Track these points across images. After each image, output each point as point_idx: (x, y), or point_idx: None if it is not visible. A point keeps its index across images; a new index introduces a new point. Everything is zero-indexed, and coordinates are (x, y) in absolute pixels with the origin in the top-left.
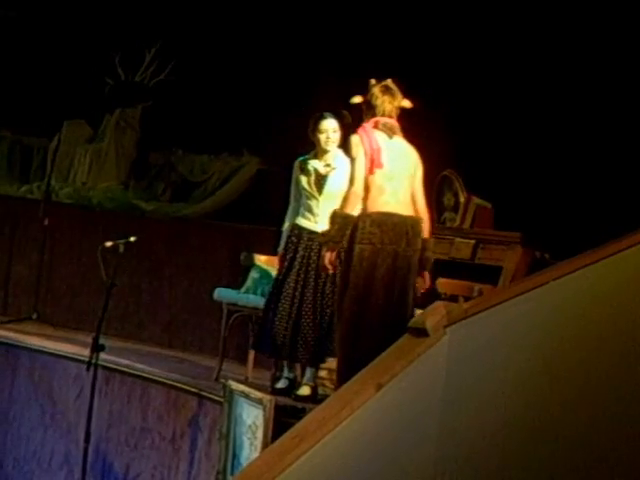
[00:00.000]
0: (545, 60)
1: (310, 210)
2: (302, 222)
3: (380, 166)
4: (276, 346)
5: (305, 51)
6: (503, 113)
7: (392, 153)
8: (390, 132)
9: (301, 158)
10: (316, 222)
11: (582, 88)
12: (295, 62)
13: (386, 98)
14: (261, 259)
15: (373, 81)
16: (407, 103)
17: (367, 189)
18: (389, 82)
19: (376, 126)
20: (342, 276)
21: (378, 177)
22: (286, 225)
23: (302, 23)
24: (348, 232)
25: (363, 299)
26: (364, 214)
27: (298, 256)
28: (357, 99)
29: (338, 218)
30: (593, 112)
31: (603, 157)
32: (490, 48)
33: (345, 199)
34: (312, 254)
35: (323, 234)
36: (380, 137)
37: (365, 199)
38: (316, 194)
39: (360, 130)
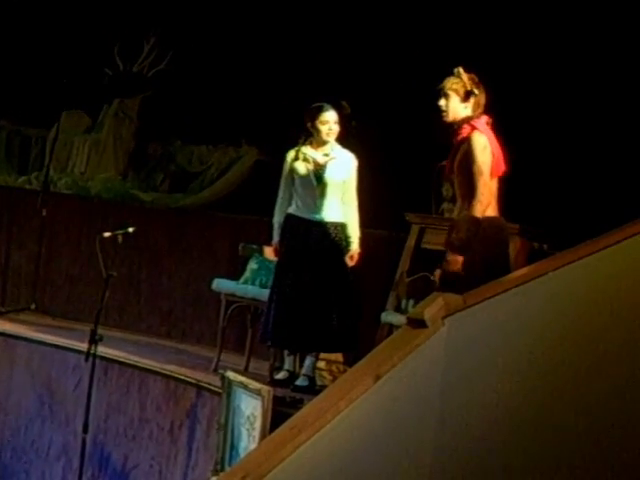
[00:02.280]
0: (545, 52)
1: (306, 199)
2: (298, 212)
3: (503, 172)
4: (279, 336)
5: (304, 42)
6: (500, 103)
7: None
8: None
9: (295, 148)
10: (313, 211)
11: (581, 81)
12: (294, 53)
13: (482, 90)
14: (267, 251)
15: (462, 70)
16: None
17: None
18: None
19: (488, 125)
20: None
21: (494, 182)
22: (277, 217)
23: (300, 14)
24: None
25: None
26: (490, 219)
27: (297, 246)
28: (464, 79)
29: (469, 224)
30: (592, 102)
31: (601, 148)
32: (494, 38)
33: (476, 210)
34: (312, 243)
35: (453, 240)
36: (493, 138)
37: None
38: (314, 183)
39: (482, 127)
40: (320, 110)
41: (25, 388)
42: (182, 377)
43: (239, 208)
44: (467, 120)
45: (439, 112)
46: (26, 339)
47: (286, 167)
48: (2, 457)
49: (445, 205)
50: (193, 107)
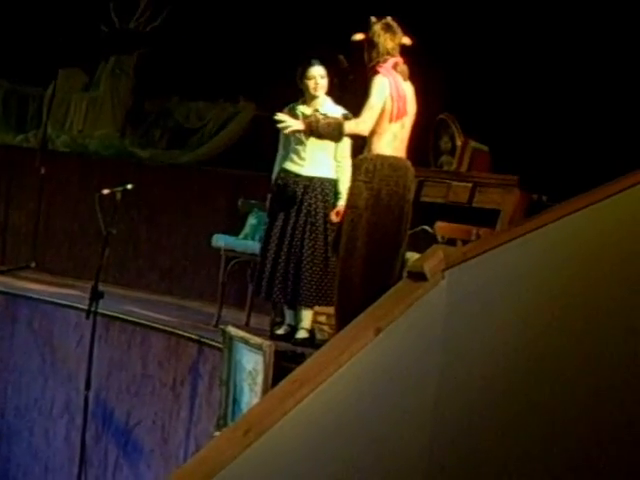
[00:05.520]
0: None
1: (298, 154)
2: (289, 166)
3: (406, 114)
4: (266, 288)
5: None
6: (500, 55)
7: (408, 100)
8: (404, 76)
9: (290, 105)
10: (302, 166)
11: (579, 30)
12: (291, 7)
13: (388, 36)
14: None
15: (374, 19)
16: (407, 40)
17: (382, 132)
18: (389, 20)
19: (395, 68)
20: (352, 215)
21: (396, 124)
22: (274, 173)
23: None
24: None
25: (377, 241)
26: (380, 156)
27: (285, 199)
28: (358, 36)
29: (330, 120)
30: (590, 52)
31: (600, 97)
32: (504, 19)
33: (350, 124)
34: (297, 197)
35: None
36: (400, 81)
37: (378, 142)
38: (304, 139)
39: (384, 71)
40: (307, 65)
41: (27, 346)
42: (183, 333)
43: (237, 164)
44: (374, 64)
45: None
46: (27, 297)
47: None
48: (5, 415)
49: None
50: (190, 63)
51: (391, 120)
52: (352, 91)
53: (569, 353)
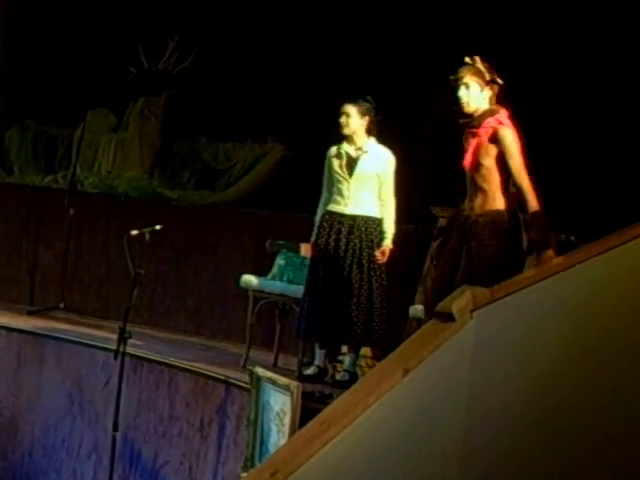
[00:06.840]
0: (565, 41)
1: (341, 194)
2: (333, 207)
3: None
4: (310, 331)
5: (329, 37)
6: (526, 94)
7: None
8: None
9: (335, 146)
10: (346, 205)
11: (605, 70)
12: (319, 48)
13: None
14: (304, 248)
15: (478, 59)
16: None
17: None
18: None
19: (508, 118)
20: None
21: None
22: (318, 215)
23: (327, 9)
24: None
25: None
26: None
27: (331, 241)
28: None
29: (545, 220)
30: (618, 92)
31: (629, 137)
32: (518, 32)
33: (536, 202)
34: (342, 237)
35: (539, 238)
36: None
37: (507, 196)
38: (347, 177)
39: (506, 122)
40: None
41: (55, 386)
42: (211, 374)
43: (265, 204)
44: (490, 113)
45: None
46: (55, 338)
47: (326, 164)
48: (33, 456)
49: None
50: (218, 104)
51: None
52: (380, 131)
53: (595, 391)
